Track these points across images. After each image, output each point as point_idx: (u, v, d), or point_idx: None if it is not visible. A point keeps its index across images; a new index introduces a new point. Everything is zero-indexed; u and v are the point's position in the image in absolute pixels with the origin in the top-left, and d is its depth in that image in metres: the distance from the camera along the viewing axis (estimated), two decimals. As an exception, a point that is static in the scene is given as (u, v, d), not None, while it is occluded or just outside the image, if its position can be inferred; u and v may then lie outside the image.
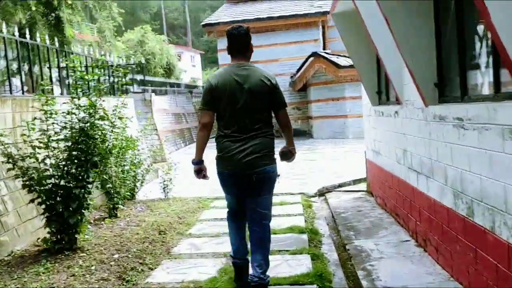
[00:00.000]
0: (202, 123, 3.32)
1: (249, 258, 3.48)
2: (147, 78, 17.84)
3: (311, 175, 9.45)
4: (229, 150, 3.24)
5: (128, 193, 6.68)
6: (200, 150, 3.34)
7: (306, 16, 20.08)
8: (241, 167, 3.22)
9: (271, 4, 22.01)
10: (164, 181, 7.43)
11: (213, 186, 8.89)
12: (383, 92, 6.19)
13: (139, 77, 12.92)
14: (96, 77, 5.01)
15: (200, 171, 3.41)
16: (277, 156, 3.44)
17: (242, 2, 22.95)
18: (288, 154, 3.43)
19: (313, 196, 7.37)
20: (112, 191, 5.85)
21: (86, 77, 4.79)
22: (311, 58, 18.05)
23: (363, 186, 7.64)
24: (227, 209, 3.66)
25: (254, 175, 3.22)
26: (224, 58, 21.37)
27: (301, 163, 11.22)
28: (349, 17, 6.29)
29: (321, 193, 7.62)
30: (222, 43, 21.01)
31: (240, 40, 3.35)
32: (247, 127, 3.23)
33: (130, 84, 8.25)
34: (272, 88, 3.28)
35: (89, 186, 4.51)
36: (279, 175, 3.46)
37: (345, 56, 19.84)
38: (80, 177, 4.42)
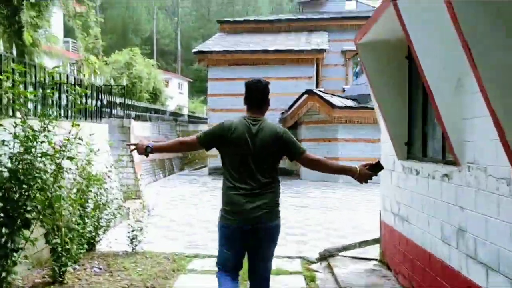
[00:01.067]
0: (186, 139, 3.38)
1: None
2: (131, 102, 16.40)
3: (308, 230, 8.04)
4: (239, 203, 3.08)
5: (85, 246, 5.14)
6: (161, 145, 3.46)
7: (302, 52, 19.05)
8: (250, 221, 3.08)
9: (266, 37, 21.01)
10: (133, 230, 5.92)
11: (190, 237, 7.49)
12: (415, 144, 4.89)
13: (119, 100, 11.46)
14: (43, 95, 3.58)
15: (143, 152, 3.24)
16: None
17: (236, 33, 21.93)
18: (371, 171, 3.22)
19: (314, 262, 5.95)
20: (59, 248, 4.31)
21: (30, 95, 3.36)
22: (305, 96, 16.92)
23: (373, 252, 6.24)
24: (217, 267, 3.28)
25: (262, 230, 3.12)
26: (213, 88, 20.37)
27: (293, 212, 9.83)
28: (379, 49, 5.04)
29: (323, 257, 6.20)
30: (213, 73, 19.83)
31: (257, 95, 3.24)
32: (257, 182, 3.10)
33: (85, 108, 6.79)
34: (285, 141, 3.18)
35: (15, 254, 3.02)
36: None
37: (339, 96, 18.81)
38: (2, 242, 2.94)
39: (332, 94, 17.94)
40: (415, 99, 4.86)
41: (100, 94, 8.40)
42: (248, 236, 3.11)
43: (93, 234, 5.69)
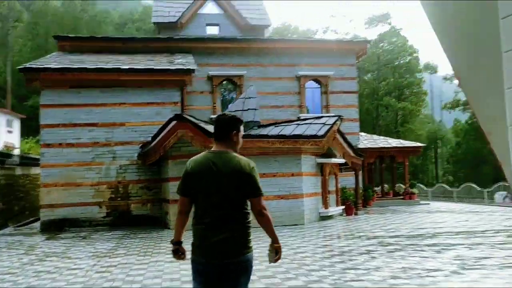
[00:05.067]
0: (178, 209, 3.17)
1: None
2: None
3: None
4: (205, 238, 2.95)
5: None
6: (178, 232, 3.21)
7: (165, 72, 15.18)
8: (216, 256, 2.91)
9: (120, 57, 16.70)
10: None
11: None
12: None
13: None
14: None
15: (178, 251, 3.17)
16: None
17: (81, 52, 17.16)
18: (272, 255, 3.10)
19: None
20: None
21: None
22: (173, 123, 12.98)
23: None
24: None
25: (231, 265, 2.90)
26: (48, 116, 14.89)
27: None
28: None
29: None
30: (47, 97, 14.72)
31: (220, 127, 3.10)
32: (222, 215, 2.93)
33: None
34: (247, 175, 2.97)
35: None
36: None
37: (212, 125, 15.29)
38: None
39: (205, 122, 14.33)
40: None
41: None
42: (216, 271, 2.91)
43: None
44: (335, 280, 6.13)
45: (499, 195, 24.94)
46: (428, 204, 21.50)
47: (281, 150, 13.35)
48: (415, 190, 21.58)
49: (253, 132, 14.98)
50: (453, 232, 10.97)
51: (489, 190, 24.60)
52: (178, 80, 15.44)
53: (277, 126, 15.21)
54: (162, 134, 13.16)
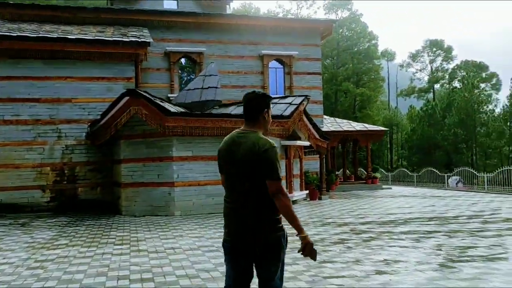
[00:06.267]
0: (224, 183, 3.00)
1: None
2: None
3: None
4: (229, 218, 2.87)
5: None
6: None
7: (117, 44, 13.70)
8: (238, 238, 2.79)
9: (66, 27, 15.00)
10: None
11: None
12: None
13: None
14: None
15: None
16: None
17: (22, 20, 15.30)
18: (305, 249, 2.73)
19: None
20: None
21: None
22: (126, 99, 11.63)
23: None
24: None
25: (253, 248, 2.74)
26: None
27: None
28: None
29: None
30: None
31: (249, 106, 2.94)
32: (242, 196, 2.78)
33: None
34: (260, 156, 2.73)
35: None
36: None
37: (170, 103, 14.01)
38: None
39: (161, 99, 13.04)
40: None
41: None
42: (240, 254, 2.79)
43: None
44: (312, 277, 5.19)
45: (452, 180, 25.06)
46: (390, 188, 21.16)
47: (244, 131, 12.26)
48: (377, 175, 21.18)
49: (215, 111, 13.83)
50: (425, 218, 10.35)
51: (449, 175, 24.64)
52: (132, 53, 14.00)
53: (240, 106, 14.12)
54: (113, 111, 11.78)
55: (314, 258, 2.80)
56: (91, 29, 14.99)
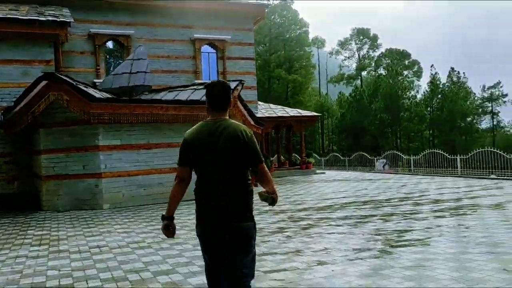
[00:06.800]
0: (177, 179, 2.93)
1: None
2: None
3: None
4: (205, 206, 2.84)
5: None
6: (171, 206, 2.95)
7: (33, 24, 12.38)
8: (213, 224, 2.78)
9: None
10: None
11: None
12: None
13: None
14: None
15: (168, 227, 2.93)
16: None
17: None
18: (272, 200, 2.85)
19: None
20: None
21: None
22: (43, 83, 10.52)
23: None
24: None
25: (226, 233, 2.74)
26: None
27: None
28: None
29: None
30: None
31: (218, 95, 2.90)
32: (220, 184, 2.77)
33: None
34: (244, 143, 2.76)
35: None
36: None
37: (95, 88, 12.99)
38: None
39: (85, 84, 12.03)
40: None
41: None
42: (214, 241, 2.80)
43: None
44: (252, 272, 4.81)
45: (379, 163, 25.92)
46: (324, 173, 21.42)
47: (176, 118, 11.63)
48: (311, 160, 21.33)
49: (144, 97, 13.02)
50: (360, 202, 10.39)
51: (378, 158, 25.43)
52: (51, 34, 12.75)
53: (172, 91, 13.40)
54: (29, 97, 10.63)
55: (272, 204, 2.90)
56: (3, 7, 13.46)
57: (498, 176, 16.15)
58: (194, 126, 2.95)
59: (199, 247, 6.22)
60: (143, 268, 5.20)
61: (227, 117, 2.92)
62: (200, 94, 12.42)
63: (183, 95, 12.52)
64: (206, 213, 2.83)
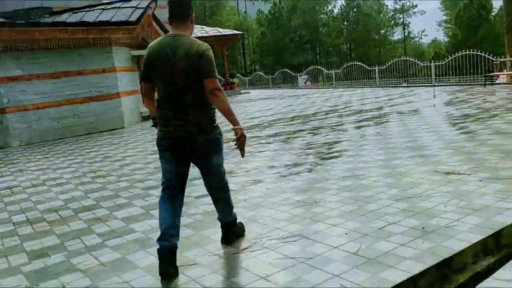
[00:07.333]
0: (143, 93, 3.08)
1: (177, 244, 2.82)
2: None
3: None
4: (166, 121, 2.84)
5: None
6: (151, 109, 3.04)
7: None
8: (181, 136, 2.81)
9: None
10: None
11: None
12: None
13: None
14: None
15: (156, 124, 3.01)
16: None
17: None
18: (240, 140, 2.77)
19: None
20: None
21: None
22: None
23: None
24: (161, 187, 2.97)
25: (196, 143, 2.82)
26: None
27: None
28: None
29: None
30: None
31: (177, 8, 2.88)
32: (181, 99, 2.79)
33: None
34: (199, 57, 2.74)
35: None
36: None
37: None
38: None
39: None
40: None
41: None
42: (182, 146, 2.85)
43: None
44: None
45: (301, 79, 26.12)
46: (249, 92, 21.18)
47: (85, 42, 10.49)
48: (235, 80, 20.88)
49: (44, 20, 11.53)
50: (287, 118, 10.32)
51: (301, 74, 25.50)
52: None
53: (76, 12, 11.98)
54: None
55: (242, 154, 2.84)
56: None
57: (409, 84, 16.91)
58: (154, 41, 2.91)
59: (124, 178, 5.80)
60: (62, 206, 4.71)
61: (187, 33, 2.87)
62: (110, 14, 11.23)
63: (91, 16, 11.25)
64: (171, 126, 2.83)
